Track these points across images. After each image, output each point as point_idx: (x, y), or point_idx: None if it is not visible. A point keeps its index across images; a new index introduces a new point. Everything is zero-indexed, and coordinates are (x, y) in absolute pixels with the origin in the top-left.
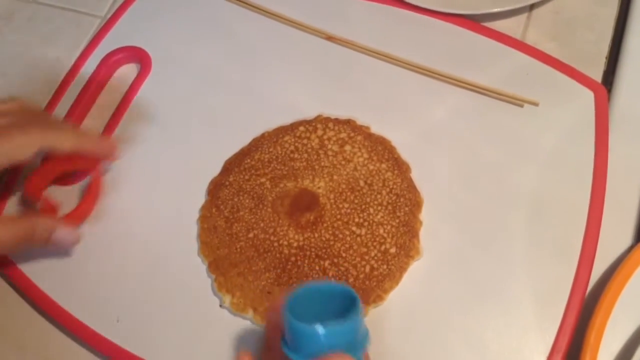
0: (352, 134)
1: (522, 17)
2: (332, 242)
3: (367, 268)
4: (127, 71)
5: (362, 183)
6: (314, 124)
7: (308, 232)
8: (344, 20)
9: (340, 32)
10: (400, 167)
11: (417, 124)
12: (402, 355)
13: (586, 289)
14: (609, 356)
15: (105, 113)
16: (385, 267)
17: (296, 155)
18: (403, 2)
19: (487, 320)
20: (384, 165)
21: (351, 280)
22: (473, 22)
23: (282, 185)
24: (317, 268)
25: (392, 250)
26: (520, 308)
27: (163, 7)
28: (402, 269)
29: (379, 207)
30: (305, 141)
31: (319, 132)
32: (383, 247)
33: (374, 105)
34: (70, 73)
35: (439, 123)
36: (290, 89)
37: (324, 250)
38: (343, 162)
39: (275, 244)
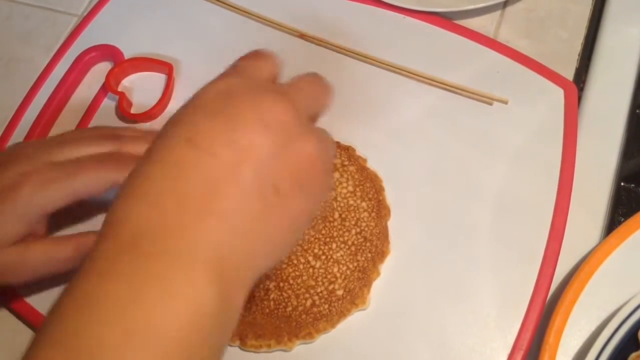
0: (346, 163)
1: (496, 15)
2: (284, 265)
3: (309, 302)
4: (104, 69)
5: (336, 215)
6: None
7: None
8: (317, 18)
9: (313, 30)
10: (379, 210)
11: (385, 122)
12: (361, 352)
13: (549, 287)
14: (570, 355)
15: (78, 112)
16: (326, 306)
17: None
18: (376, 0)
19: (449, 319)
20: (364, 204)
21: (289, 309)
22: (445, 19)
23: None
24: (261, 286)
25: (339, 292)
26: (483, 306)
27: (138, 5)
28: (342, 315)
29: (342, 245)
30: None
31: None
32: (331, 287)
33: (345, 104)
34: (44, 73)
35: (408, 122)
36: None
37: (273, 271)
38: None
39: None
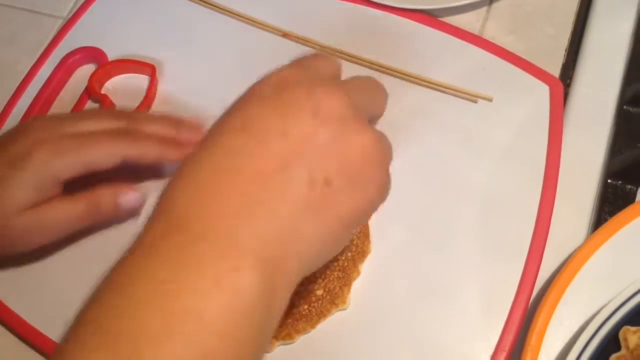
0: None
1: (482, 11)
2: None
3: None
4: (88, 71)
5: None
6: None
7: None
8: (300, 18)
9: (297, 30)
10: None
11: (369, 121)
12: (341, 353)
13: (533, 287)
14: (552, 356)
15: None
16: (305, 307)
17: None
18: None
19: (431, 319)
20: None
21: None
22: (431, 17)
23: None
24: None
25: (319, 292)
26: (465, 306)
27: (122, 6)
28: (322, 315)
29: None
30: None
31: None
32: (310, 286)
33: None
34: (28, 75)
35: (392, 120)
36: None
37: None
38: None
39: None
